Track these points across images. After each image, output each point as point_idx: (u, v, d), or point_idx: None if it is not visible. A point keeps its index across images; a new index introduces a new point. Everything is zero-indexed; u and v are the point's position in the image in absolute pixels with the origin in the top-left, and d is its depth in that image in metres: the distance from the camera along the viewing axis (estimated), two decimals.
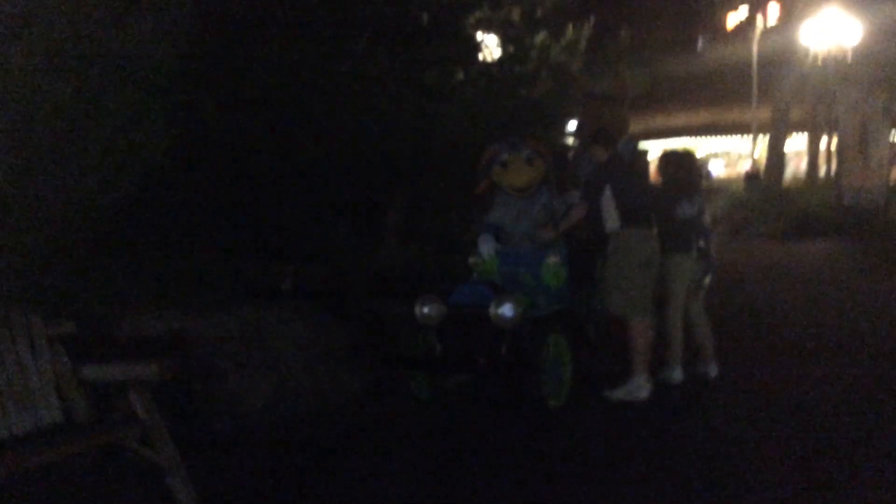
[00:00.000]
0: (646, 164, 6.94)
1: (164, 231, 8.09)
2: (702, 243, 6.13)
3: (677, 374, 6.12)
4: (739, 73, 29.23)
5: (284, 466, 4.61)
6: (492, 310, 5.30)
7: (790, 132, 29.39)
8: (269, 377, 5.51)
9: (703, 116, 36.65)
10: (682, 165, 6.20)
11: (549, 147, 6.83)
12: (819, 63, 20.66)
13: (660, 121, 37.30)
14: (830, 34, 19.79)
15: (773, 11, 23.32)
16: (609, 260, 5.85)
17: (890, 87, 18.70)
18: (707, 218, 6.30)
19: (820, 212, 17.44)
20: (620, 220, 5.72)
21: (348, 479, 4.38)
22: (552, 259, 5.96)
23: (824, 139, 24.70)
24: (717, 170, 37.62)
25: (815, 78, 22.86)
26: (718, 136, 36.18)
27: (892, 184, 17.64)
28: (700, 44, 35.67)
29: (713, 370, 6.27)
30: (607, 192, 5.71)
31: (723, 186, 28.96)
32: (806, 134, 26.59)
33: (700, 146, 37.22)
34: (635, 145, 6.78)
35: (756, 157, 28.85)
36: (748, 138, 29.74)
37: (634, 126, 35.02)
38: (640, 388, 5.66)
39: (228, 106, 9.85)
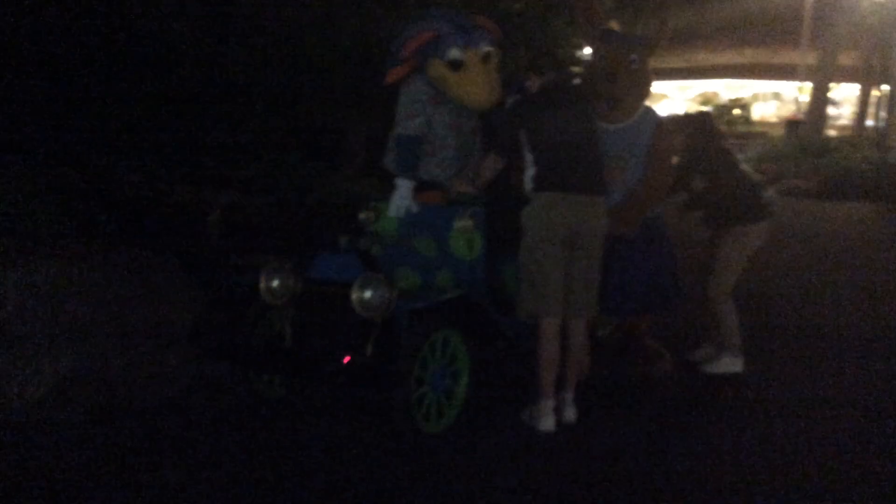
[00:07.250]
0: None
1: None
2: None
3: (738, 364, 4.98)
4: (792, 12, 26.90)
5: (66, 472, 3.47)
6: (354, 293, 3.73)
7: (841, 80, 27.04)
8: (63, 356, 4.06)
9: (749, 56, 34.14)
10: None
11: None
12: (879, 1, 18.40)
13: (702, 58, 34.77)
14: None
15: None
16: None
17: None
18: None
19: (862, 169, 15.47)
20: (533, 180, 4.03)
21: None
22: (463, 222, 4.37)
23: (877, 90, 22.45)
24: (764, 112, 35.24)
25: (873, 20, 20.61)
26: (765, 79, 33.80)
27: None
28: None
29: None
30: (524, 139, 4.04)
31: (760, 133, 26.86)
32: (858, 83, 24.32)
33: (744, 88, 34.94)
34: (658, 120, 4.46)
35: (802, 102, 26.55)
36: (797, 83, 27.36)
37: (673, 62, 32.68)
38: (540, 417, 4.06)
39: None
